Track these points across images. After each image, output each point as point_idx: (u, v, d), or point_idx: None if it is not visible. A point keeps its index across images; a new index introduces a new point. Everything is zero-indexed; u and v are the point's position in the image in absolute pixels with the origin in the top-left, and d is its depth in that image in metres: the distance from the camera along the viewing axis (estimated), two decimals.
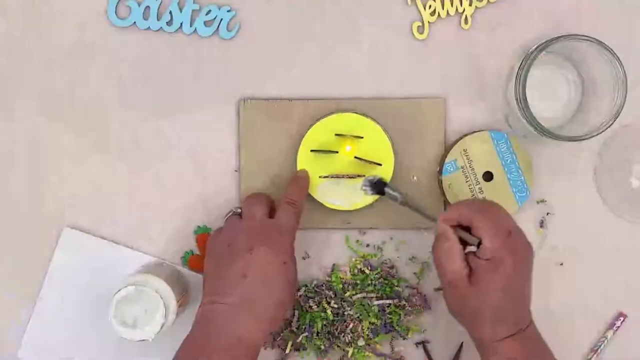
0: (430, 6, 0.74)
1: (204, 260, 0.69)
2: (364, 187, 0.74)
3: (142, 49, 0.75)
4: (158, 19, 0.73)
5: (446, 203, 0.73)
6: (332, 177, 0.74)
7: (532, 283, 0.67)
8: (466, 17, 0.75)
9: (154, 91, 0.77)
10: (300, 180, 0.74)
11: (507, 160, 0.75)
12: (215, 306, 0.65)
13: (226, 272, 0.65)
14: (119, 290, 0.71)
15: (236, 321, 0.65)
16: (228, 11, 0.73)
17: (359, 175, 0.74)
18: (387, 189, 0.72)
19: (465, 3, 0.74)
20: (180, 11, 0.73)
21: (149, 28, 0.74)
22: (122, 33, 0.75)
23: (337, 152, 0.74)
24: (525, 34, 0.77)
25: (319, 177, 0.74)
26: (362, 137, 0.72)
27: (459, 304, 0.66)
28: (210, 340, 0.64)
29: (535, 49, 0.71)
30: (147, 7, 0.73)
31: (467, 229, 0.66)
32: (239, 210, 0.70)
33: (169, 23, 0.73)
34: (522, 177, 0.76)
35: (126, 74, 0.76)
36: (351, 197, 0.74)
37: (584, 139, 0.71)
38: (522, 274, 0.66)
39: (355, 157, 0.72)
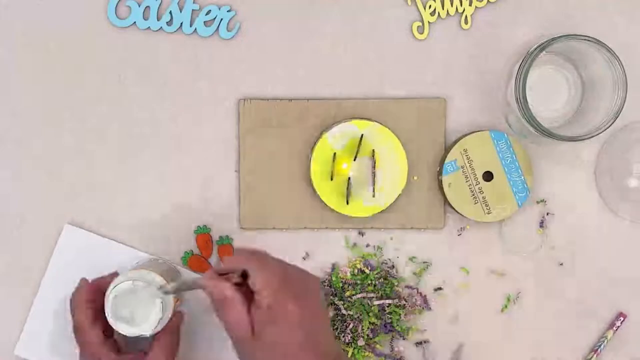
0: (430, 6, 0.74)
1: None
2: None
3: (142, 49, 0.75)
4: (158, 19, 0.73)
5: (446, 203, 0.73)
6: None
7: (327, 314, 0.66)
8: (466, 17, 0.75)
9: (154, 91, 0.77)
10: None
11: (507, 160, 0.75)
12: None
13: None
14: (115, 286, 0.70)
15: None
16: (228, 11, 0.73)
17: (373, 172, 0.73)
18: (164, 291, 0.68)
19: (466, 3, 0.74)
20: (180, 11, 0.73)
21: (149, 28, 0.74)
22: (122, 33, 0.75)
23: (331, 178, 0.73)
24: (525, 34, 0.77)
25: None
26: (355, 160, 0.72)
27: None
28: None
29: (535, 48, 0.70)
30: (147, 7, 0.72)
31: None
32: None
33: (169, 23, 0.73)
34: (522, 177, 0.75)
35: (126, 74, 0.76)
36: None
37: (584, 139, 0.71)
38: (312, 317, 0.58)
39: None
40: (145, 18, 0.73)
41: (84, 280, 0.70)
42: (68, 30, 0.76)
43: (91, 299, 0.69)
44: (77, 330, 0.69)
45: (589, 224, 0.80)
